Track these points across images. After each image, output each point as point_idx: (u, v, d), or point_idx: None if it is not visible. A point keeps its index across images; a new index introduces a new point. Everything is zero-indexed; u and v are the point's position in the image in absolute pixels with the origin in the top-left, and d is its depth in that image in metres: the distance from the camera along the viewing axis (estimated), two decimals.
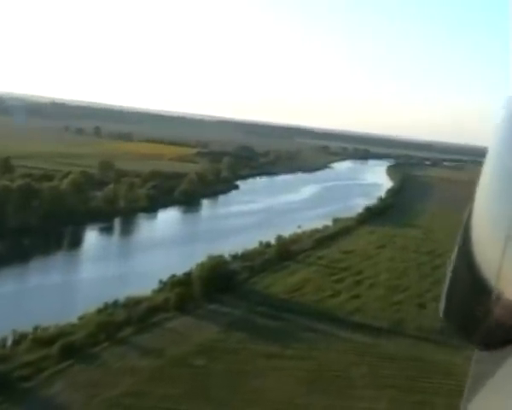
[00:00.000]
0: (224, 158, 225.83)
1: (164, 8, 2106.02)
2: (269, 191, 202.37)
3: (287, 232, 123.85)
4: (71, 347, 52.93)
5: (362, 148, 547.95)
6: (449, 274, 2.88)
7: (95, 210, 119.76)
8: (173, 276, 79.32)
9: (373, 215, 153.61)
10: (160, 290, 74.83)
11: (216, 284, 75.60)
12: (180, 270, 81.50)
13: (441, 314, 2.99)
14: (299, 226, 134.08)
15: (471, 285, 2.48)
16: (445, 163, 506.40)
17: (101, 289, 78.63)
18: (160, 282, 78.26)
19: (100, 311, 64.71)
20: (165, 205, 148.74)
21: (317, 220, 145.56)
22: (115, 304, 68.28)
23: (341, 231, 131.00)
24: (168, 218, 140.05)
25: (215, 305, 72.18)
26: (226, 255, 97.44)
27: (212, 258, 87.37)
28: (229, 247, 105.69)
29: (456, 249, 2.81)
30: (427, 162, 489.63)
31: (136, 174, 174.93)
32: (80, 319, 62.56)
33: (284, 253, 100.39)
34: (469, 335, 2.65)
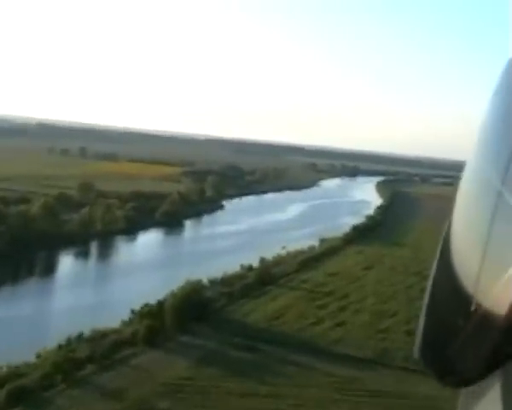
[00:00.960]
0: (209, 177, 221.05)
1: (150, 22, 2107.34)
2: (255, 211, 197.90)
3: (271, 254, 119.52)
4: (20, 391, 47.78)
5: (351, 165, 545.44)
6: (428, 289, 2.81)
7: (69, 234, 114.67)
8: (146, 305, 74.35)
9: (361, 234, 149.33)
10: (130, 322, 69.79)
11: (190, 314, 70.75)
12: (157, 297, 76.56)
13: (416, 355, 2.70)
14: (283, 247, 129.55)
15: (451, 297, 2.44)
16: (435, 179, 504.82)
17: (70, 320, 73.57)
18: (132, 312, 73.40)
19: (61, 347, 59.55)
20: (146, 227, 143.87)
21: (302, 240, 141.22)
22: (80, 338, 63.25)
23: (327, 251, 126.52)
24: (148, 240, 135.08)
25: (187, 337, 67.25)
26: (205, 280, 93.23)
27: (187, 284, 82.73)
28: (211, 270, 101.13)
29: (435, 263, 2.74)
30: (417, 178, 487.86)
31: (117, 195, 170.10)
32: (38, 356, 57.36)
33: (266, 277, 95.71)
34: (448, 364, 2.51)
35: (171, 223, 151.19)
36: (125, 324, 69.18)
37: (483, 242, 2.17)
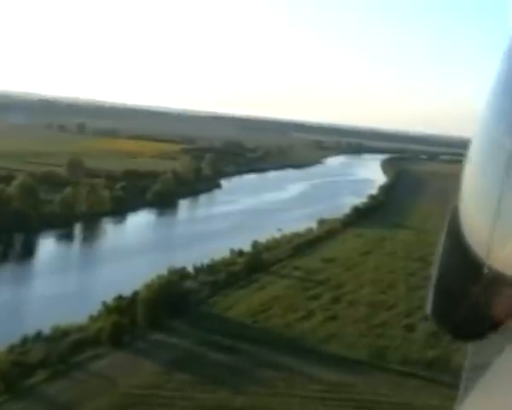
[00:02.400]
0: (207, 155, 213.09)
1: (151, 2, 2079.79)
2: (253, 190, 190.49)
3: (266, 237, 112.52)
4: None
5: (356, 142, 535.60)
6: (437, 262, 3.13)
7: (50, 215, 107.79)
8: (119, 297, 67.42)
9: (361, 215, 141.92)
10: (98, 317, 62.89)
11: (165, 308, 63.84)
12: (137, 286, 69.70)
13: (428, 311, 3.25)
14: (279, 230, 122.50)
15: (462, 265, 2.63)
16: (442, 157, 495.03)
17: (40, 312, 67.16)
18: (104, 305, 66.49)
19: (12, 348, 52.77)
20: (136, 208, 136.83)
21: (300, 222, 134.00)
22: (38, 337, 56.49)
23: (325, 234, 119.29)
24: (138, 222, 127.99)
25: (160, 335, 60.32)
26: (190, 267, 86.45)
27: (168, 273, 75.97)
28: (200, 255, 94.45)
29: (443, 235, 2.98)
30: (424, 156, 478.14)
31: (107, 174, 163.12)
32: None
33: (256, 264, 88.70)
34: (460, 321, 2.83)
35: (164, 203, 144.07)
36: (93, 319, 62.24)
37: (494, 203, 2.23)
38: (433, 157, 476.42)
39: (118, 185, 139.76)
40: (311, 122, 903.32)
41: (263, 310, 69.17)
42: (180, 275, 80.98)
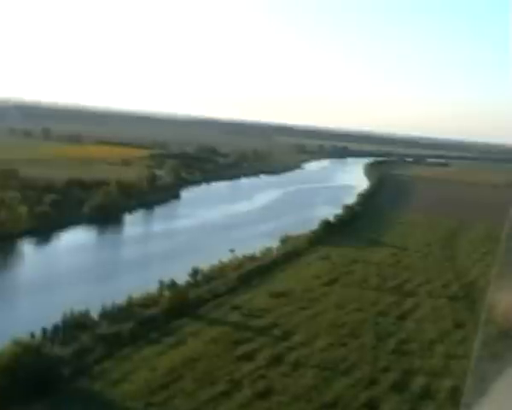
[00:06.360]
0: (168, 161, 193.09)
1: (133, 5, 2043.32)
2: (216, 200, 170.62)
3: (212, 261, 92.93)
4: None
5: (341, 145, 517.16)
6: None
7: None
8: None
9: (333, 230, 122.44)
10: None
11: (16, 388, 43.98)
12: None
13: None
14: (231, 251, 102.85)
15: None
16: (429, 160, 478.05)
17: None
18: None
19: None
20: (69, 225, 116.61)
21: (261, 239, 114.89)
22: None
23: (284, 257, 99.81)
24: (61, 245, 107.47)
25: None
26: (98, 309, 66.64)
27: (38, 336, 56.18)
28: (124, 288, 75.50)
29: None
30: (410, 159, 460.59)
31: (46, 183, 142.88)
32: None
33: (182, 303, 68.92)
34: None
35: (104, 219, 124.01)
36: None
37: None
38: (419, 160, 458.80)
39: (47, 198, 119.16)
40: (296, 125, 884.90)
41: (167, 383, 49.20)
42: (76, 324, 61.38)
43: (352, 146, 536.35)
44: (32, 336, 55.49)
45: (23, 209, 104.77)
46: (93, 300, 69.17)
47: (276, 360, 55.74)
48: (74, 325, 61.21)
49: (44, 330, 58.30)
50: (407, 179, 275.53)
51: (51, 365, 47.63)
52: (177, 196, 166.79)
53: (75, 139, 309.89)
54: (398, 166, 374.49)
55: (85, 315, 64.67)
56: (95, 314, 65.51)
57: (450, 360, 58.88)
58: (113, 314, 65.99)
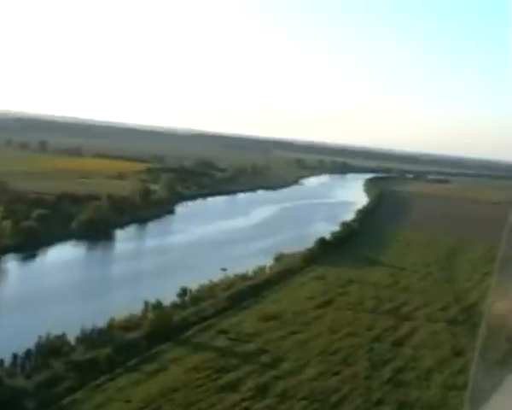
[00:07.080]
0: (163, 175, 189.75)
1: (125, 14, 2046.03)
2: (212, 216, 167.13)
3: (203, 280, 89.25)
4: None
5: (341, 161, 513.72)
6: None
7: None
8: None
9: (328, 249, 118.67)
10: None
11: None
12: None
13: None
14: (223, 269, 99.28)
15: None
16: (430, 176, 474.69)
17: None
18: None
19: None
20: (56, 241, 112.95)
21: (255, 257, 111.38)
22: None
23: (278, 276, 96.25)
24: (49, 260, 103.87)
25: None
26: (76, 334, 62.88)
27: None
28: (109, 309, 72.00)
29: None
30: (410, 175, 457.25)
31: (37, 197, 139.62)
32: None
33: (165, 327, 65.16)
34: None
35: (94, 235, 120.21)
36: None
37: None
38: (419, 176, 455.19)
39: (35, 213, 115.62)
40: (296, 140, 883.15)
41: None
42: (50, 349, 57.64)
43: (352, 162, 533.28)
44: (1, 363, 51.75)
45: (7, 224, 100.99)
46: (73, 321, 65.65)
47: (263, 390, 51.96)
48: (49, 350, 57.48)
49: (15, 356, 54.60)
50: (407, 196, 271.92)
51: (13, 397, 43.84)
52: (171, 212, 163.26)
53: (75, 152, 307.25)
54: (398, 182, 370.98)
55: (62, 339, 61.02)
56: (72, 338, 61.99)
57: (448, 392, 55.05)
58: (91, 338, 62.36)
